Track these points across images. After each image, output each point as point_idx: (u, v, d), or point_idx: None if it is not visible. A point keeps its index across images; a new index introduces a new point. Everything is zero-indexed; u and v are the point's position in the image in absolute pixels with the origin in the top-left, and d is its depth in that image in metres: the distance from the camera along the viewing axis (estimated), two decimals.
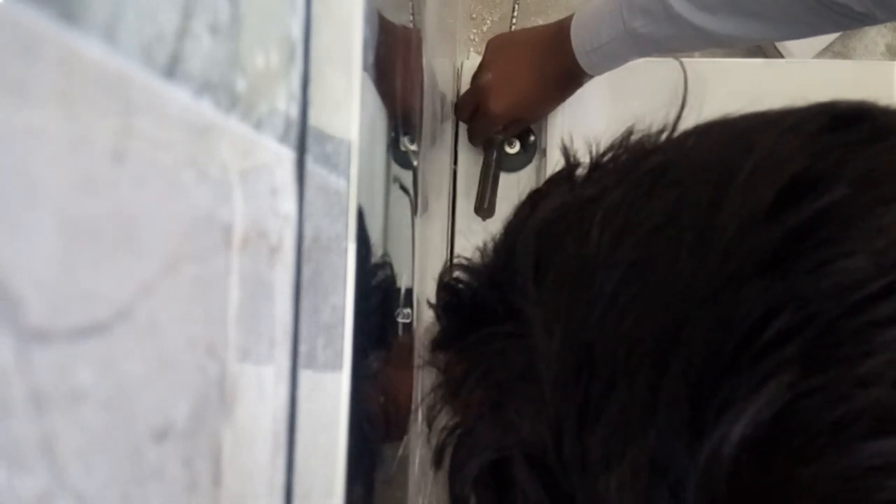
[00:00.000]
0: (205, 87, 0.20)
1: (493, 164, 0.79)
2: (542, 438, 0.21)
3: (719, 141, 0.24)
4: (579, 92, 0.75)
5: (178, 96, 0.18)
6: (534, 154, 0.84)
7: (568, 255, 0.23)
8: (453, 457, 0.26)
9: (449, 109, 0.81)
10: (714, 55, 0.96)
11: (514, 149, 0.83)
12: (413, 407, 0.54)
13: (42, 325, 0.13)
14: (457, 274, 0.29)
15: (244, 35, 0.22)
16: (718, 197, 0.20)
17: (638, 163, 0.24)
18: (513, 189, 0.84)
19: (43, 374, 0.13)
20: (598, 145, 0.27)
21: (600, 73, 0.68)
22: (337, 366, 0.31)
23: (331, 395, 0.30)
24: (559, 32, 0.67)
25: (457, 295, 0.28)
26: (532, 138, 0.84)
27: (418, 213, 0.58)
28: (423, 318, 0.58)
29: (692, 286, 0.19)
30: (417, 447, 0.57)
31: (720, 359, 0.18)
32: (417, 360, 0.54)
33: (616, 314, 0.20)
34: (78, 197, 0.14)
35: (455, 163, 0.85)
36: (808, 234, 0.18)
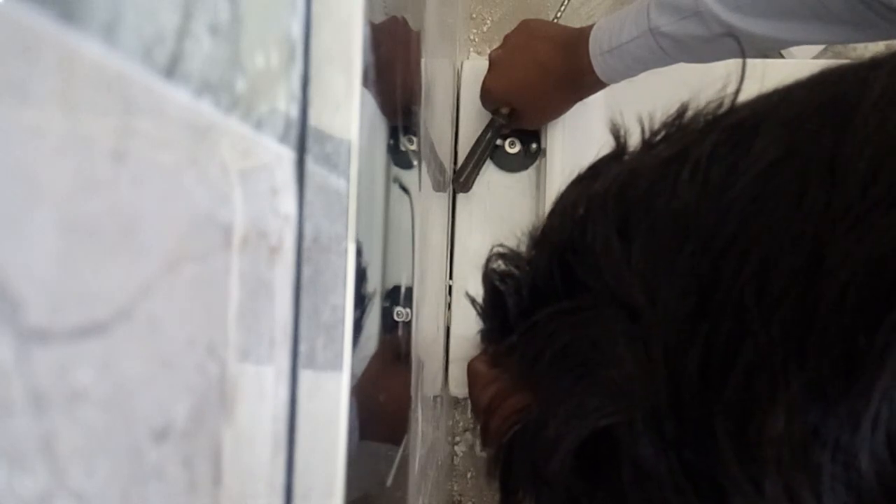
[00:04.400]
0: (205, 87, 0.20)
1: (485, 142, 0.79)
2: (656, 399, 0.20)
3: (821, 85, 0.23)
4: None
5: (178, 96, 0.18)
6: (535, 158, 0.84)
7: (658, 211, 0.22)
8: (532, 442, 0.24)
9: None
10: None
11: (514, 149, 0.83)
12: (412, 406, 0.54)
13: (42, 325, 0.13)
14: (498, 263, 0.27)
15: (244, 35, 0.22)
16: (841, 127, 0.19)
17: (719, 120, 0.24)
18: (513, 189, 0.84)
19: (43, 374, 0.13)
20: (651, 121, 0.26)
21: (612, 78, 0.67)
22: (337, 366, 0.31)
23: (331, 395, 0.30)
24: (579, 35, 0.68)
25: (505, 282, 0.27)
26: (534, 146, 0.83)
27: (426, 188, 0.57)
28: (422, 318, 0.58)
29: (829, 215, 0.18)
30: (417, 447, 0.57)
31: (882, 284, 0.17)
32: (416, 361, 0.54)
33: (736, 255, 0.19)
34: (78, 197, 0.14)
35: (456, 141, 0.85)
36: None
